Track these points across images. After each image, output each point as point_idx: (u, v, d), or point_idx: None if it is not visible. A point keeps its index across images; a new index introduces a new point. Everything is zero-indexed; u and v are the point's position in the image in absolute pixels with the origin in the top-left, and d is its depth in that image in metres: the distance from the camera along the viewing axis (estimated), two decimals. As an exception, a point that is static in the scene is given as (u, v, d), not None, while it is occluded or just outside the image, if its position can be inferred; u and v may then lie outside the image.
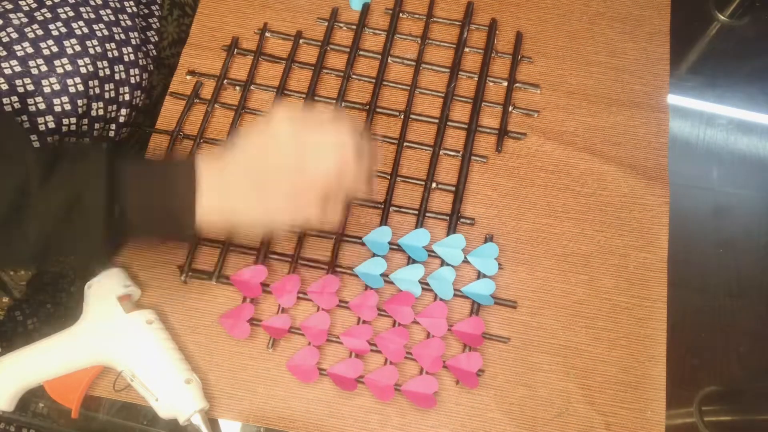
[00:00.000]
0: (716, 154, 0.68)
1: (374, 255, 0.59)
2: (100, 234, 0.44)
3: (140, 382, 0.52)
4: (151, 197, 0.45)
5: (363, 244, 0.60)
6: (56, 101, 0.55)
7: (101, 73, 0.58)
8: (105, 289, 0.55)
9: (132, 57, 0.62)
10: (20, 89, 0.53)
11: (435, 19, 0.71)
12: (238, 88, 0.67)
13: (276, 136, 0.46)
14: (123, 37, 0.61)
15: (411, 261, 0.59)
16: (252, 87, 0.67)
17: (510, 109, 0.66)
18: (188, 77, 0.67)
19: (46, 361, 0.53)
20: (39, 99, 0.54)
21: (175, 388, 0.52)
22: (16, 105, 0.53)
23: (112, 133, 0.61)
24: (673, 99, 0.68)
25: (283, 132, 0.46)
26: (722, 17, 0.75)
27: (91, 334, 0.53)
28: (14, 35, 0.54)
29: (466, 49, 0.69)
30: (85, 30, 0.57)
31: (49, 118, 0.55)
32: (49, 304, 0.66)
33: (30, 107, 0.54)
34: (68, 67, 0.55)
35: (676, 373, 0.57)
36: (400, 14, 0.71)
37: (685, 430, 0.57)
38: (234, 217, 0.47)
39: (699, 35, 0.75)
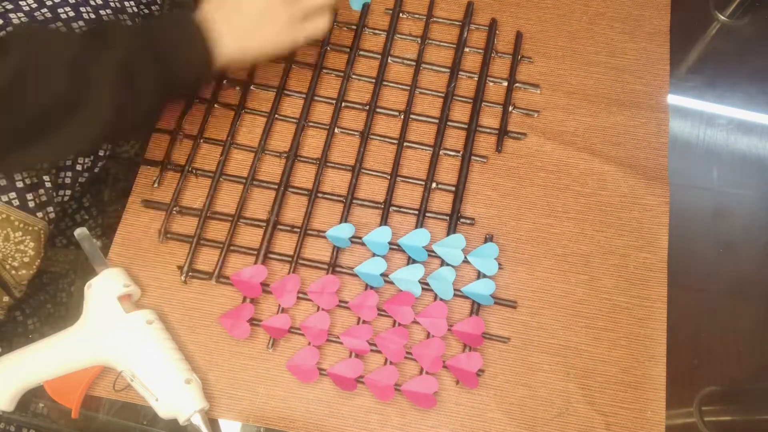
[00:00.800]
0: (716, 154, 0.68)
1: (374, 255, 0.59)
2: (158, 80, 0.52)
3: (140, 382, 0.52)
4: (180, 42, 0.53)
5: (363, 244, 0.60)
6: None
7: None
8: (105, 289, 0.55)
9: None
10: None
11: (435, 19, 0.71)
12: (238, 88, 0.67)
13: None
14: None
15: (411, 261, 0.59)
16: (252, 87, 0.67)
17: (510, 109, 0.66)
18: (188, 77, 0.67)
19: (46, 361, 0.53)
20: None
21: (175, 388, 0.52)
22: None
23: None
24: (673, 99, 0.68)
25: None
26: (722, 17, 0.74)
27: (91, 334, 0.53)
28: None
29: (466, 49, 0.69)
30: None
31: None
32: (50, 304, 0.66)
33: None
34: None
35: (676, 373, 0.58)
36: (400, 14, 0.71)
37: (685, 430, 0.57)
38: (248, 48, 0.56)
39: (699, 35, 0.75)
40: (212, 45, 0.53)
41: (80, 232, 0.58)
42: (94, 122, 0.49)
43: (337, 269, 0.59)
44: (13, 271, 0.55)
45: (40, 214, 0.56)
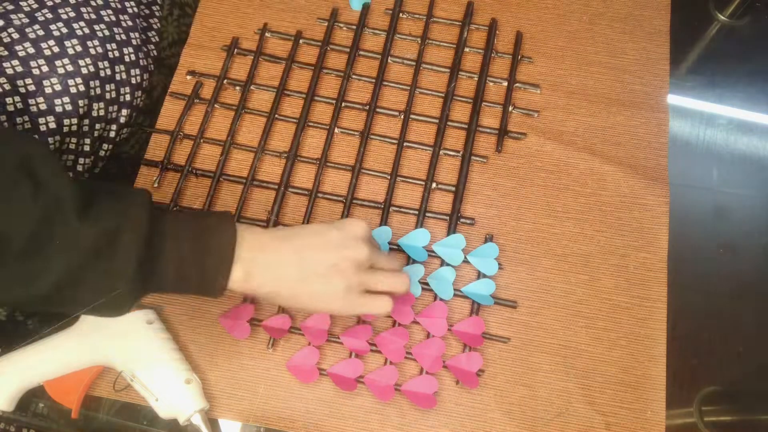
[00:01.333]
0: (716, 154, 0.68)
1: (374, 255, 0.59)
2: (131, 275, 0.40)
3: (140, 382, 0.52)
4: (186, 249, 0.43)
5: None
6: (57, 102, 0.55)
7: (102, 74, 0.58)
8: None
9: (133, 57, 0.62)
10: (22, 90, 0.53)
11: (435, 19, 0.71)
12: (238, 88, 0.67)
13: (324, 235, 0.47)
14: (124, 37, 0.61)
15: (411, 261, 0.59)
16: (252, 87, 0.67)
17: (510, 109, 0.66)
18: (188, 77, 0.67)
19: (46, 362, 0.53)
20: (40, 99, 0.54)
21: (175, 388, 0.52)
22: (19, 105, 0.53)
23: (112, 134, 0.61)
24: (673, 99, 0.68)
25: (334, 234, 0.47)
26: (722, 17, 0.74)
27: (90, 334, 0.53)
28: (15, 35, 0.54)
29: (466, 49, 0.69)
30: (86, 30, 0.57)
31: (50, 118, 0.55)
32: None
33: (31, 107, 0.54)
34: (69, 68, 0.55)
35: (676, 373, 0.58)
36: (400, 14, 0.71)
37: (685, 430, 0.57)
38: (269, 288, 0.46)
39: (699, 35, 0.75)
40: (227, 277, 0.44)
41: None
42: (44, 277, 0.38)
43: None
44: None
45: None
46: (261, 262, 0.45)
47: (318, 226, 0.48)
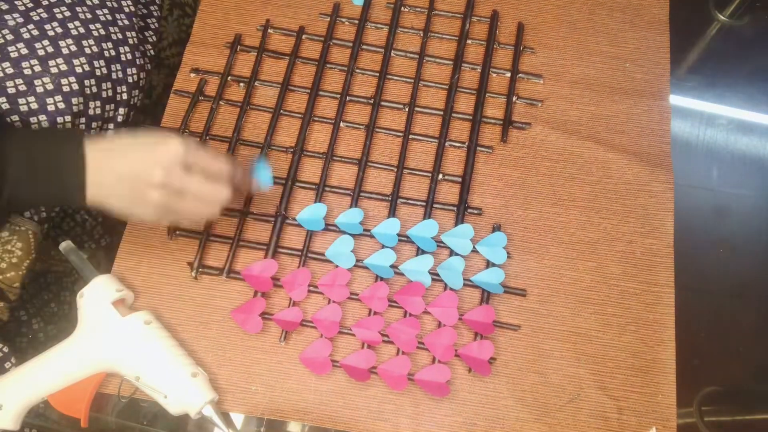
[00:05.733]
0: (716, 154, 0.68)
1: (383, 246, 0.60)
2: None
3: (146, 383, 0.51)
4: (40, 176, 0.47)
5: (372, 236, 0.60)
6: (49, 100, 0.54)
7: (98, 72, 0.57)
8: (98, 296, 0.54)
9: (129, 56, 0.61)
10: (11, 90, 0.53)
11: (436, 11, 0.71)
12: (242, 84, 0.67)
13: (160, 152, 0.48)
14: (120, 36, 0.61)
15: (420, 252, 0.60)
16: (256, 83, 0.67)
17: (514, 99, 0.67)
18: (192, 75, 0.67)
19: (47, 376, 0.52)
20: (31, 99, 0.54)
21: (183, 383, 0.52)
22: (5, 106, 0.53)
23: (110, 133, 0.61)
24: (673, 99, 0.68)
25: (168, 153, 0.48)
26: (722, 17, 0.75)
27: (90, 342, 0.53)
28: (9, 37, 0.54)
29: (469, 41, 0.70)
30: (81, 30, 0.57)
31: (42, 117, 0.54)
32: (53, 303, 0.66)
33: (21, 107, 0.54)
34: (63, 67, 0.55)
35: (676, 372, 0.57)
36: (402, 8, 0.71)
37: (685, 430, 0.57)
38: (106, 207, 0.50)
39: (699, 35, 0.75)
40: (80, 190, 0.48)
41: (65, 245, 0.57)
42: None
43: (347, 262, 0.60)
44: (1, 275, 0.55)
45: (28, 214, 0.56)
46: (101, 177, 0.48)
47: (136, 141, 0.49)
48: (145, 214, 0.50)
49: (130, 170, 0.48)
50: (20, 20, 0.55)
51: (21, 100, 0.53)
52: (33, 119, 0.54)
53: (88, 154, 0.47)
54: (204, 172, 0.50)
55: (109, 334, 0.53)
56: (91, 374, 0.52)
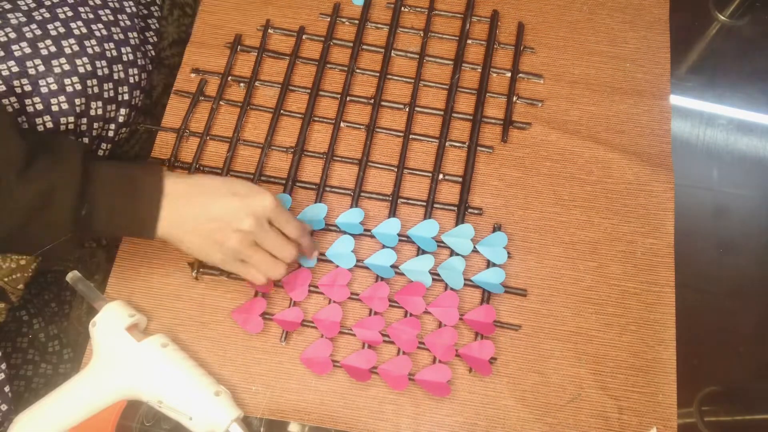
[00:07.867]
0: (716, 154, 0.68)
1: (384, 246, 0.60)
2: (67, 229, 0.47)
3: (169, 406, 0.50)
4: (118, 201, 0.49)
5: (372, 236, 0.60)
6: (53, 101, 0.54)
7: (100, 73, 0.58)
8: (111, 323, 0.53)
9: (131, 57, 0.62)
10: (18, 90, 0.53)
11: (436, 11, 0.71)
12: (242, 84, 0.67)
13: (255, 202, 0.51)
14: (122, 36, 0.61)
15: (420, 252, 0.60)
16: (256, 83, 0.67)
17: (514, 99, 0.67)
18: (192, 75, 0.67)
19: (68, 409, 0.50)
20: (37, 99, 0.54)
21: (207, 403, 0.51)
22: (16, 106, 0.53)
23: (111, 133, 0.61)
24: (673, 99, 0.68)
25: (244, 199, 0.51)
26: (722, 17, 0.75)
27: (108, 371, 0.52)
28: (12, 35, 0.54)
29: (469, 41, 0.70)
30: (84, 30, 0.57)
31: (47, 118, 0.54)
32: (54, 303, 0.66)
33: (28, 108, 0.54)
34: (66, 67, 0.55)
35: (676, 372, 0.57)
36: (402, 8, 0.71)
37: (685, 430, 0.58)
38: (178, 241, 0.52)
39: (699, 35, 0.75)
40: (153, 225, 0.50)
41: (72, 276, 0.56)
42: None
43: (348, 262, 0.60)
44: (6, 278, 0.55)
45: None
46: (181, 212, 0.50)
47: (226, 187, 0.52)
48: (214, 257, 0.52)
49: (223, 213, 0.50)
50: (23, 20, 0.55)
51: (27, 101, 0.54)
52: (38, 120, 0.54)
53: (167, 186, 0.50)
54: (281, 230, 0.53)
55: (127, 360, 0.52)
56: (111, 403, 0.51)
